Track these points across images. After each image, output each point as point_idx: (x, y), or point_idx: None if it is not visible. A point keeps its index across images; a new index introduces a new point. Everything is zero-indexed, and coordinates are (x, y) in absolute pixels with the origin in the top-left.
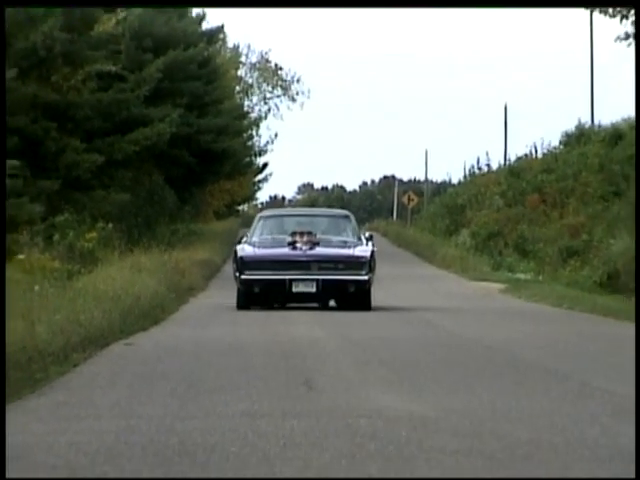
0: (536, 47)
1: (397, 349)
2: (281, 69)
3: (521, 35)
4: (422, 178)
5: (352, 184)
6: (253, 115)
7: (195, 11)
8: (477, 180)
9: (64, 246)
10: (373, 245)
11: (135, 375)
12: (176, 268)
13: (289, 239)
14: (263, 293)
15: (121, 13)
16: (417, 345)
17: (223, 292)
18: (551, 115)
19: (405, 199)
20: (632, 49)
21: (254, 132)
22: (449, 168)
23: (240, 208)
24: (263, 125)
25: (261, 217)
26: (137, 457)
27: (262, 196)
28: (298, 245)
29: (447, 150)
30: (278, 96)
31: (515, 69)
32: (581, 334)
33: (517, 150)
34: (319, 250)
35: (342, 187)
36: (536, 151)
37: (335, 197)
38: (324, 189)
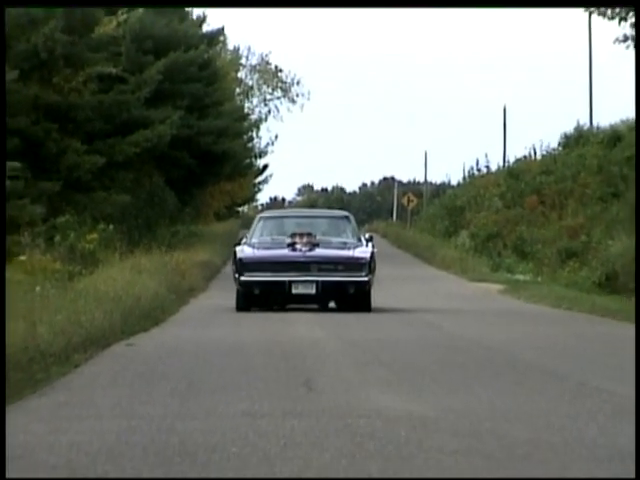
0: (535, 49)
1: (397, 350)
2: (281, 71)
3: (520, 37)
4: (422, 179)
5: (352, 185)
6: (253, 117)
7: (196, 13)
8: (476, 181)
9: (65, 247)
10: (373, 246)
11: (136, 375)
12: (176, 269)
13: (289, 240)
14: (263, 294)
15: (122, 15)
16: (417, 346)
17: (223, 293)
18: (550, 117)
19: (405, 200)
20: (631, 51)
21: (254, 134)
22: (448, 169)
23: (240, 209)
24: (263, 127)
25: (261, 218)
26: (138, 457)
27: (262, 197)
28: (298, 246)
29: (446, 151)
30: (278, 98)
31: (514, 71)
32: (580, 334)
33: (516, 152)
34: (319, 251)
35: (342, 188)
36: (535, 153)
37: (335, 198)
38: (324, 190)
